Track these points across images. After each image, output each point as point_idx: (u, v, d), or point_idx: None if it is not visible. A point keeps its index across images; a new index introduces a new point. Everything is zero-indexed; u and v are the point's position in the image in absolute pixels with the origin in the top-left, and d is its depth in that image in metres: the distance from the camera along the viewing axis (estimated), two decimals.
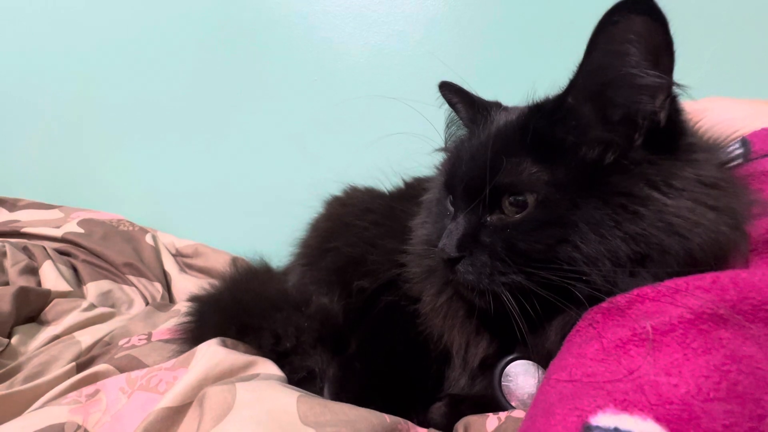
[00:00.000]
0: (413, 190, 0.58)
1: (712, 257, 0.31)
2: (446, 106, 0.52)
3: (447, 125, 0.54)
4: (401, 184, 0.67)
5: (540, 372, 0.39)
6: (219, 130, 1.10)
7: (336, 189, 0.73)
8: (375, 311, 0.51)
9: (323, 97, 1.02)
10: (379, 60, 1.00)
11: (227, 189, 1.11)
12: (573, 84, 0.34)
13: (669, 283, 0.28)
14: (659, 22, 0.29)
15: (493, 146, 0.37)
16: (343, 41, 1.00)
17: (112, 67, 1.14)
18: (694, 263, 0.31)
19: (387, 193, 0.67)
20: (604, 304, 0.30)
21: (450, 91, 0.50)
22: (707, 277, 0.27)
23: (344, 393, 0.44)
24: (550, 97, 0.39)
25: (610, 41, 0.31)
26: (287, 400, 0.36)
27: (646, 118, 0.32)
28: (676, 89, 0.32)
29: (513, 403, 0.40)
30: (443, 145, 0.54)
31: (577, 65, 0.33)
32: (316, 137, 1.04)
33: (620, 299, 0.29)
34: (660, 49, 0.30)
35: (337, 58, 1.01)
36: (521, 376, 0.39)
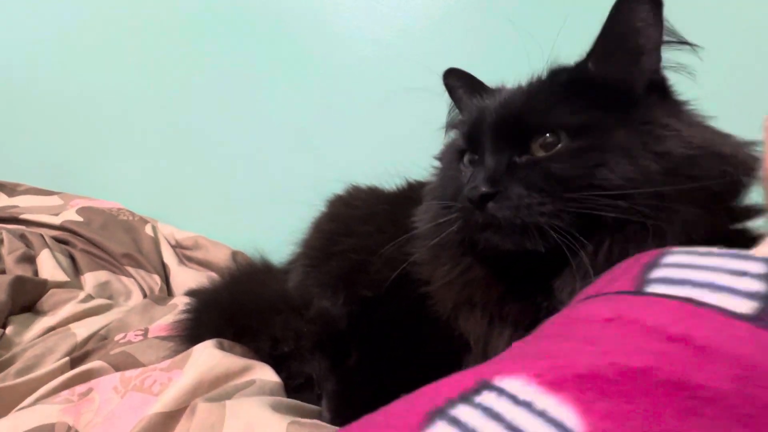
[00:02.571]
0: (415, 192, 0.56)
1: (739, 168, 0.35)
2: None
3: (449, 111, 0.54)
4: (404, 184, 0.65)
5: None
6: (223, 122, 1.09)
7: (339, 187, 0.71)
8: (377, 320, 0.50)
9: (329, 92, 1.00)
10: (387, 55, 0.98)
11: (229, 182, 1.10)
12: (600, 39, 0.39)
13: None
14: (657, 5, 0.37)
15: (526, 92, 0.41)
16: (351, 36, 0.99)
17: (116, 56, 1.12)
18: (721, 174, 0.34)
19: (390, 194, 0.66)
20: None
21: (456, 78, 0.50)
22: None
23: (346, 411, 0.42)
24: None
25: (625, 10, 0.38)
26: (276, 428, 0.34)
27: (652, 67, 0.39)
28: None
29: None
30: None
31: (603, 26, 0.39)
32: (321, 132, 1.02)
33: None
34: (658, 21, 0.37)
35: (345, 53, 0.99)
36: None
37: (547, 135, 0.37)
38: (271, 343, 0.48)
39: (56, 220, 0.91)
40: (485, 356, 0.40)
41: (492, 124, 0.39)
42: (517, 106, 0.39)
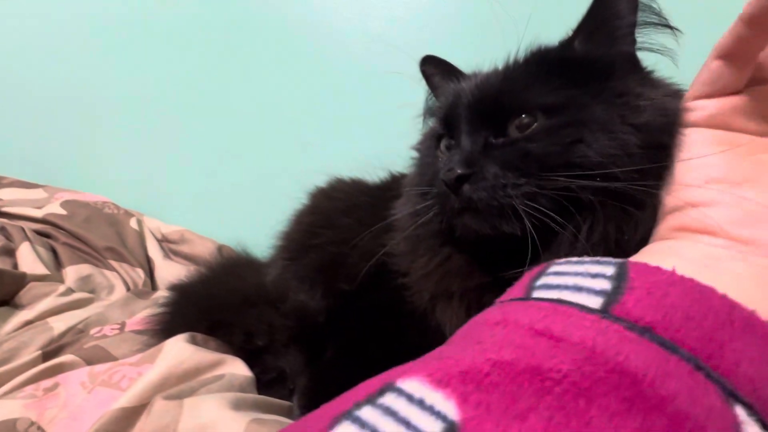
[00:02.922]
0: (398, 184, 0.55)
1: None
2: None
3: (426, 99, 0.53)
4: (388, 177, 0.64)
5: None
6: (210, 116, 1.07)
7: (324, 180, 0.70)
8: (353, 313, 0.49)
9: (317, 85, 0.99)
10: (377, 47, 0.97)
11: (217, 176, 1.09)
12: (583, 22, 0.40)
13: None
14: None
15: (503, 73, 0.40)
16: (339, 28, 0.97)
17: (103, 49, 1.11)
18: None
19: (373, 186, 0.64)
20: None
21: (433, 65, 0.49)
22: None
23: (315, 408, 0.41)
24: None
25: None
26: (234, 427, 0.33)
27: (626, 41, 0.39)
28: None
29: None
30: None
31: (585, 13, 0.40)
32: (309, 126, 1.01)
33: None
34: (634, 5, 0.38)
35: (334, 45, 0.98)
36: None
37: (523, 116, 0.36)
38: (245, 337, 0.47)
39: (39, 213, 0.90)
40: None
41: (467, 105, 0.39)
42: (493, 86, 0.39)
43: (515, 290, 0.25)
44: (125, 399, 0.38)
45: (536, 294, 0.23)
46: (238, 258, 0.68)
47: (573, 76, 0.37)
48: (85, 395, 0.42)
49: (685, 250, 0.28)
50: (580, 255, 0.32)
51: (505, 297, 0.26)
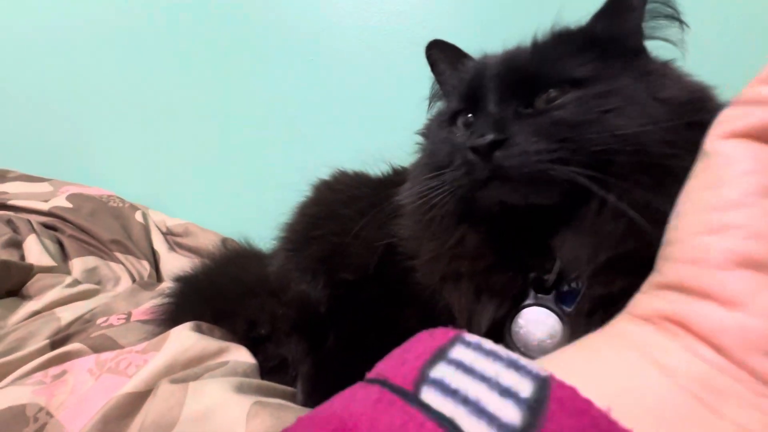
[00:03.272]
0: (399, 177, 0.55)
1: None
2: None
3: (432, 85, 0.53)
4: (390, 170, 0.65)
5: (553, 319, 0.36)
6: (212, 110, 1.08)
7: (327, 173, 0.71)
8: (356, 302, 0.50)
9: (318, 79, 0.99)
10: (377, 41, 0.97)
11: (220, 169, 1.10)
12: (604, 8, 0.41)
13: None
14: None
15: (531, 48, 0.40)
16: (339, 22, 0.97)
17: (106, 44, 1.12)
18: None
19: (375, 179, 0.65)
20: None
21: (439, 50, 0.49)
22: None
23: (319, 393, 0.42)
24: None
25: None
26: (238, 410, 0.34)
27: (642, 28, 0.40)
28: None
29: (521, 348, 0.37)
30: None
31: None
32: (311, 120, 1.02)
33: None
34: None
35: (334, 39, 0.98)
36: (532, 324, 0.36)
37: (551, 90, 0.36)
38: (248, 326, 0.48)
39: (45, 206, 0.91)
40: (470, 328, 0.39)
41: (496, 76, 0.38)
42: (523, 59, 0.39)
43: (408, 366, 0.18)
44: (131, 384, 0.39)
45: (424, 395, 0.17)
46: (242, 250, 0.69)
47: (601, 54, 0.37)
48: (92, 382, 0.43)
49: (659, 353, 0.18)
50: (604, 226, 0.32)
51: (392, 372, 0.19)
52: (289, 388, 0.43)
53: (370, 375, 0.19)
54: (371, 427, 0.16)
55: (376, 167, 0.69)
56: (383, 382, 0.18)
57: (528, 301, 0.37)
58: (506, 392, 0.16)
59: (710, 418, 0.16)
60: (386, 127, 0.94)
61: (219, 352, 0.44)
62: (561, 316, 0.36)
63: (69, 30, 1.14)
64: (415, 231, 0.44)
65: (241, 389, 0.36)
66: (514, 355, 0.18)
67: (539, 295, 0.37)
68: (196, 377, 0.38)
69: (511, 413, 0.15)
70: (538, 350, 0.36)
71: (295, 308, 0.48)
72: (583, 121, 0.33)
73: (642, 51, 0.40)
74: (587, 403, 0.15)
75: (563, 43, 0.39)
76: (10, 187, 1.00)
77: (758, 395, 0.16)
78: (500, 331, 0.38)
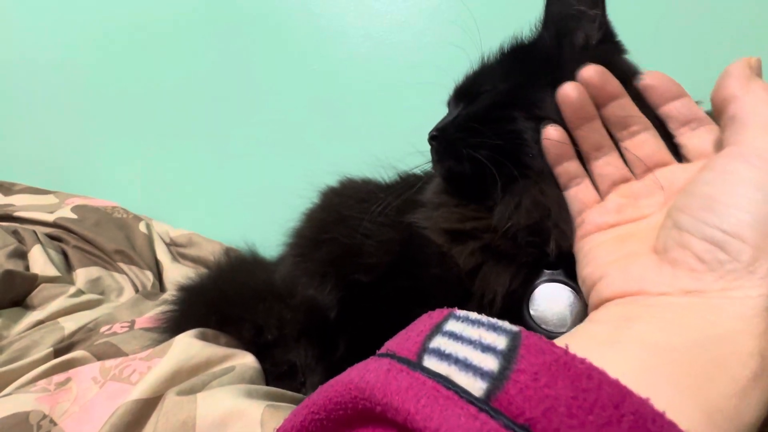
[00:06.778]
0: (406, 181, 0.55)
1: None
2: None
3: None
4: (396, 177, 0.64)
5: (569, 291, 0.36)
6: (216, 120, 1.09)
7: (333, 180, 0.71)
8: (369, 304, 0.48)
9: (322, 88, 1.00)
10: (379, 51, 0.98)
11: (224, 179, 1.10)
12: (544, 21, 0.45)
13: None
14: None
15: (479, 65, 0.49)
16: (344, 31, 0.98)
17: (111, 56, 1.13)
18: None
19: (384, 186, 0.64)
20: None
21: None
22: None
23: None
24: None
25: None
26: (253, 414, 0.33)
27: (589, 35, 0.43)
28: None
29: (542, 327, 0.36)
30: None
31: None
32: (314, 128, 1.02)
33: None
34: None
35: (337, 49, 0.99)
36: (548, 300, 0.36)
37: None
38: (255, 331, 0.47)
39: (50, 218, 0.91)
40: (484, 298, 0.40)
41: (454, 90, 0.50)
42: (468, 77, 0.49)
43: (411, 342, 0.22)
44: (138, 391, 0.38)
45: (427, 362, 0.20)
46: (247, 258, 0.68)
47: (524, 66, 0.43)
48: (96, 389, 0.42)
49: (601, 312, 0.26)
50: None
51: (398, 347, 0.22)
52: (297, 394, 0.42)
53: (380, 351, 0.23)
54: (384, 389, 0.19)
55: (377, 174, 0.69)
56: (392, 356, 0.21)
57: (541, 279, 0.37)
58: (487, 348, 0.20)
59: (618, 344, 0.22)
60: (391, 134, 0.94)
61: (224, 359, 0.43)
62: (575, 287, 0.35)
63: (73, 45, 1.15)
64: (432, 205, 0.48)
65: (250, 395, 0.35)
66: (494, 320, 0.22)
67: (548, 271, 0.37)
68: (203, 386, 0.37)
69: (491, 362, 0.19)
70: (560, 325, 0.36)
71: (304, 313, 0.48)
72: (490, 119, 0.41)
73: (572, 58, 0.42)
74: (550, 344, 0.19)
75: (500, 57, 0.47)
76: (17, 200, 1.00)
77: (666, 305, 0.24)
78: (518, 310, 0.38)
